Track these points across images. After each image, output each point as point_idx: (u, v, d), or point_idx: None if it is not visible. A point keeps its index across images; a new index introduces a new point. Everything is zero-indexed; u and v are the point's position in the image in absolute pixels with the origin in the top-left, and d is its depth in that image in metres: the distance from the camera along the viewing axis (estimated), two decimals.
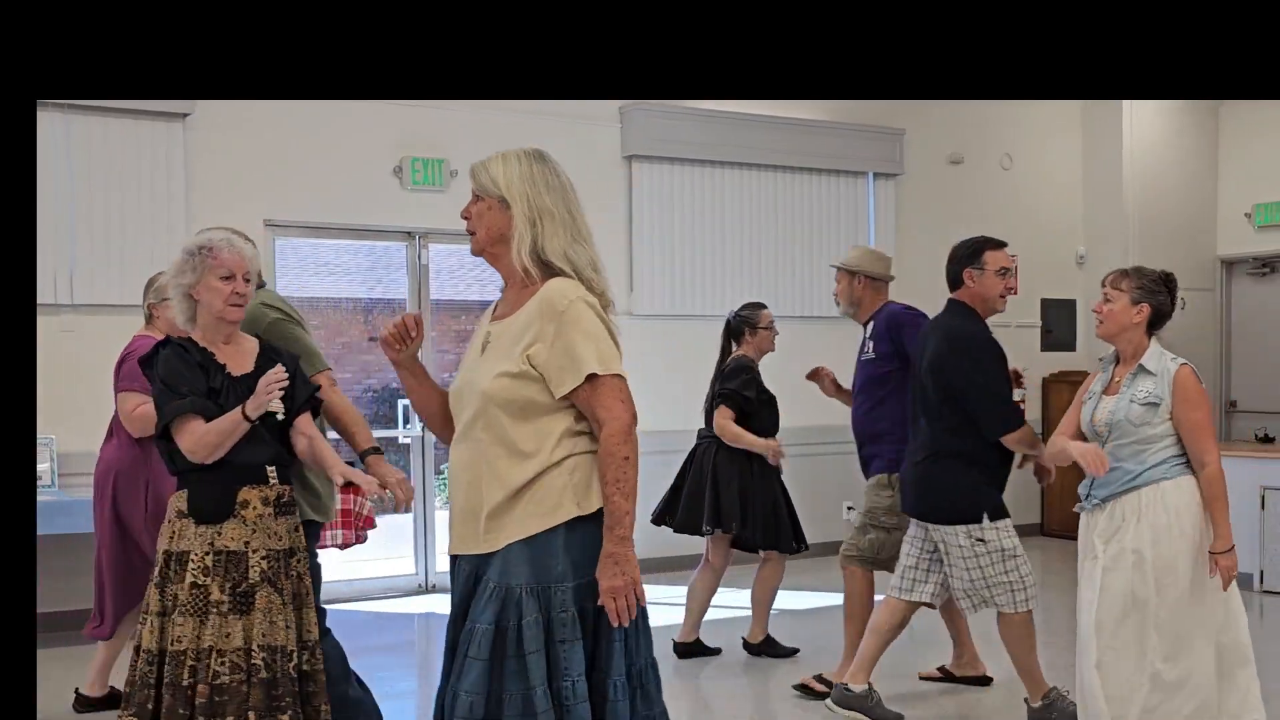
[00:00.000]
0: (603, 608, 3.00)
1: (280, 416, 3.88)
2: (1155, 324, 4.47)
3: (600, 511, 3.01)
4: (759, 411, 6.41)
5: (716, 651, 6.60)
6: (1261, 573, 8.28)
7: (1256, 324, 11.36)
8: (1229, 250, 11.42)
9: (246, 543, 3.83)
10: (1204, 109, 11.28)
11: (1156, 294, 4.45)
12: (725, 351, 6.61)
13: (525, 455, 3.01)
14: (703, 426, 6.61)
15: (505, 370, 3.02)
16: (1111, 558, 4.32)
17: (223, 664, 3.73)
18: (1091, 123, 11.25)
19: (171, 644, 3.76)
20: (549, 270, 3.09)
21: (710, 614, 6.73)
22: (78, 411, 7.01)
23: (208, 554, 3.81)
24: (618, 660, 3.05)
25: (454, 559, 3.17)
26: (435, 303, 9.02)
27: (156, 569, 3.88)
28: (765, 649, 6.62)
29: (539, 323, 3.02)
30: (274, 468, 3.91)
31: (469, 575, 3.09)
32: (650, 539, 8.93)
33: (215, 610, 3.77)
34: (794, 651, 6.59)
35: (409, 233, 8.62)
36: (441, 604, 8.29)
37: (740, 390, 6.35)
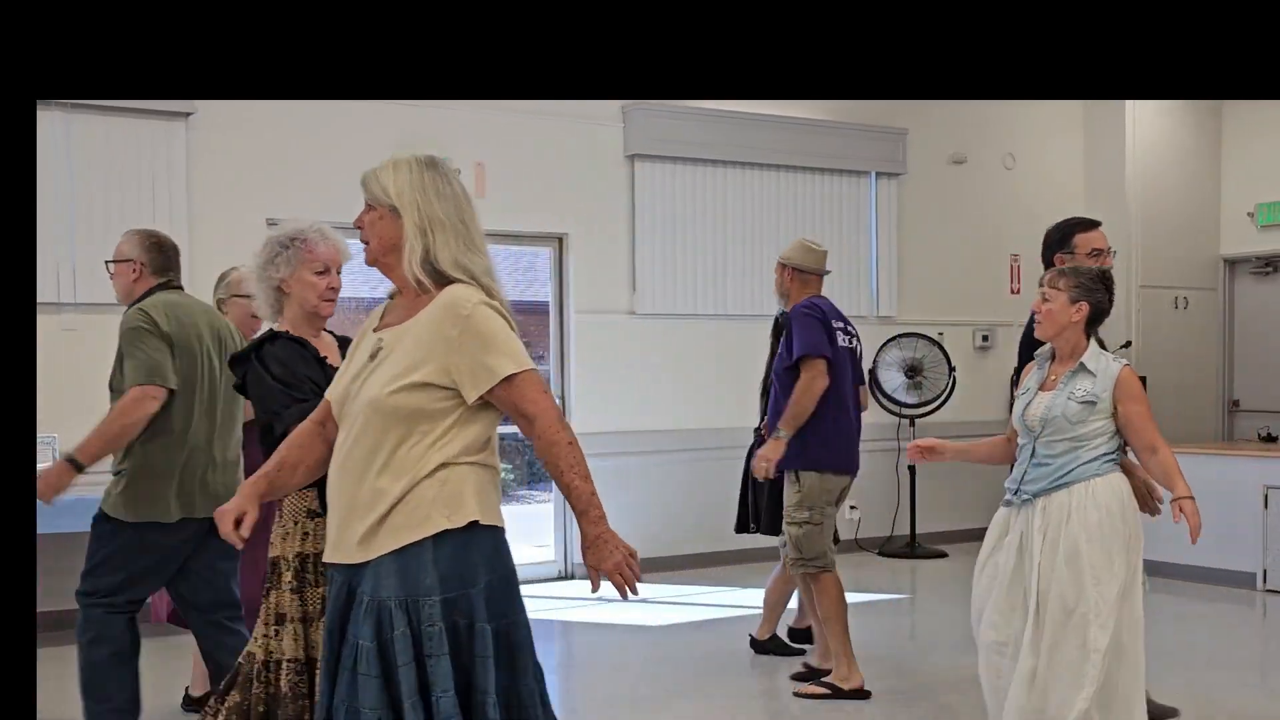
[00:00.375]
0: (473, 624, 2.95)
1: None
2: (1093, 322, 4.50)
3: (471, 525, 2.95)
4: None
5: (800, 652, 6.47)
6: (1265, 572, 8.26)
7: (1259, 323, 11.35)
8: (1232, 250, 11.41)
9: None
10: (1206, 109, 11.27)
11: (1094, 292, 4.48)
12: (775, 349, 6.40)
13: (402, 465, 2.95)
14: (759, 424, 6.44)
15: (397, 379, 2.96)
16: (1048, 559, 4.35)
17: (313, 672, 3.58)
18: (1094, 122, 11.24)
19: (275, 653, 3.60)
20: (443, 279, 3.03)
21: (719, 613, 6.73)
22: (79, 410, 6.99)
23: (295, 557, 3.65)
24: (489, 677, 2.95)
25: (327, 568, 3.13)
26: None
27: (286, 574, 3.68)
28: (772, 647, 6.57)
29: (442, 330, 2.96)
30: None
31: (342, 585, 3.03)
32: (654, 538, 8.97)
33: (314, 616, 3.60)
34: (800, 651, 6.54)
35: None
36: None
37: None
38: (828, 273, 6.23)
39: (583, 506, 2.94)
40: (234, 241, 7.89)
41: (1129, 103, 10.81)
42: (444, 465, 2.95)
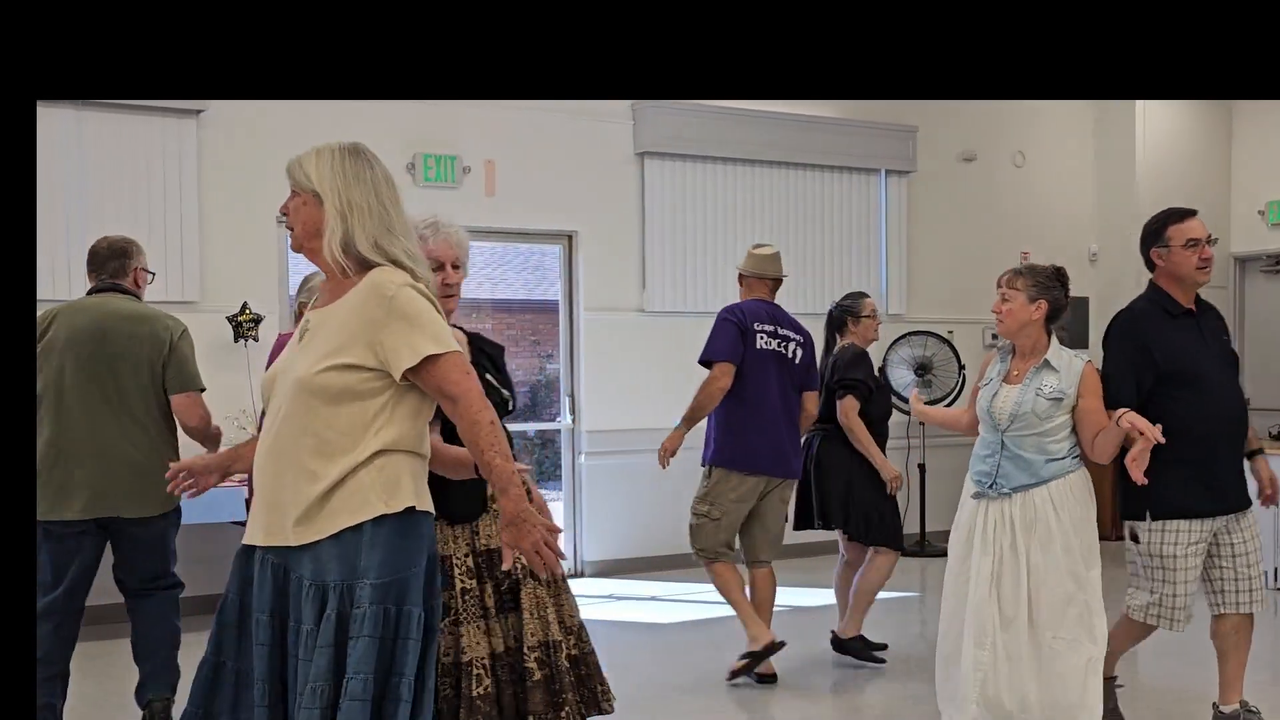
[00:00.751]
0: (403, 608, 2.98)
1: (507, 403, 3.77)
2: (1052, 318, 4.69)
3: (407, 510, 3.02)
4: (874, 399, 6.38)
5: (880, 647, 6.48)
6: (1276, 570, 8.25)
7: (1270, 321, 11.33)
8: (1242, 248, 11.39)
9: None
10: (1217, 107, 11.25)
11: (1051, 289, 4.68)
12: (830, 343, 6.52)
13: (336, 448, 2.99)
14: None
15: (324, 359, 3.00)
16: (1038, 554, 4.53)
17: (502, 668, 3.59)
18: (1104, 120, 11.22)
19: (462, 653, 3.56)
20: (365, 263, 3.08)
21: (730, 611, 6.72)
22: None
23: (468, 555, 3.62)
24: (409, 660, 3.00)
25: (249, 549, 3.13)
26: None
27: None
28: (852, 646, 6.46)
29: (366, 311, 3.00)
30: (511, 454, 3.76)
31: (277, 568, 3.05)
32: (664, 536, 8.97)
33: (494, 613, 3.61)
34: (880, 660, 6.43)
35: None
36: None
37: (865, 379, 6.29)
38: (780, 277, 6.32)
39: (502, 485, 2.99)
40: (245, 239, 7.92)
41: (1140, 101, 10.79)
42: (381, 453, 3.01)
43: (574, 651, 3.76)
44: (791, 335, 6.17)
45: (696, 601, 7.91)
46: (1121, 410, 4.43)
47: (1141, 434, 4.30)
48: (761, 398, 6.01)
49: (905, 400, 10.05)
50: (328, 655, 2.93)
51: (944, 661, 4.79)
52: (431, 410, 3.13)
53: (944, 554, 9.60)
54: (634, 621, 7.33)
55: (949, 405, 10.09)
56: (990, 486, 4.63)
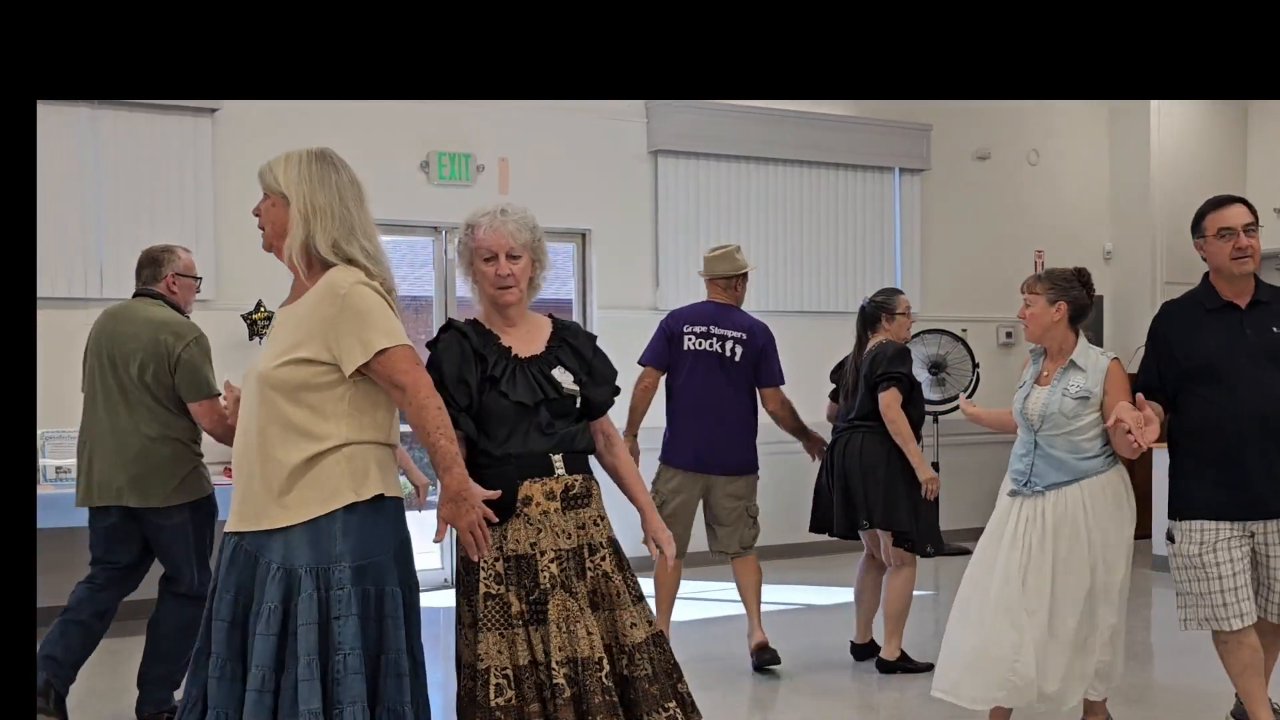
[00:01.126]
0: (384, 588, 3.18)
1: (574, 398, 3.64)
2: (1076, 318, 4.76)
3: (376, 499, 3.20)
4: (914, 397, 6.24)
5: (927, 666, 6.16)
6: None
7: None
8: None
9: (533, 544, 3.51)
10: (1232, 107, 11.22)
11: (1070, 290, 4.75)
12: (861, 340, 6.38)
13: (302, 436, 3.16)
14: (840, 418, 6.42)
15: (283, 354, 3.17)
16: (1064, 549, 4.62)
17: (528, 682, 3.45)
18: (1119, 118, 11.20)
19: (479, 659, 3.48)
20: (324, 263, 3.25)
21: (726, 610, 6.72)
22: None
23: (497, 560, 3.51)
24: (399, 636, 3.19)
25: (227, 536, 3.28)
26: (461, 299, 9.04)
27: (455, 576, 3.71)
28: (900, 664, 6.23)
29: (321, 309, 3.16)
30: (560, 456, 3.60)
31: (249, 553, 3.19)
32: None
33: (519, 622, 3.47)
34: (928, 667, 6.13)
35: (435, 227, 8.65)
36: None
37: (908, 373, 6.18)
38: (729, 275, 6.40)
39: (446, 463, 3.15)
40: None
41: (1155, 100, 10.77)
42: (349, 444, 3.18)
43: (626, 672, 3.54)
44: (730, 334, 6.28)
45: (707, 599, 7.92)
46: (1122, 404, 4.43)
47: (1129, 431, 4.32)
48: (687, 397, 6.25)
49: (930, 402, 10.05)
50: (314, 632, 3.09)
51: (955, 650, 4.79)
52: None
53: (958, 553, 9.65)
54: (674, 619, 7.33)
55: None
56: (1025, 485, 4.71)
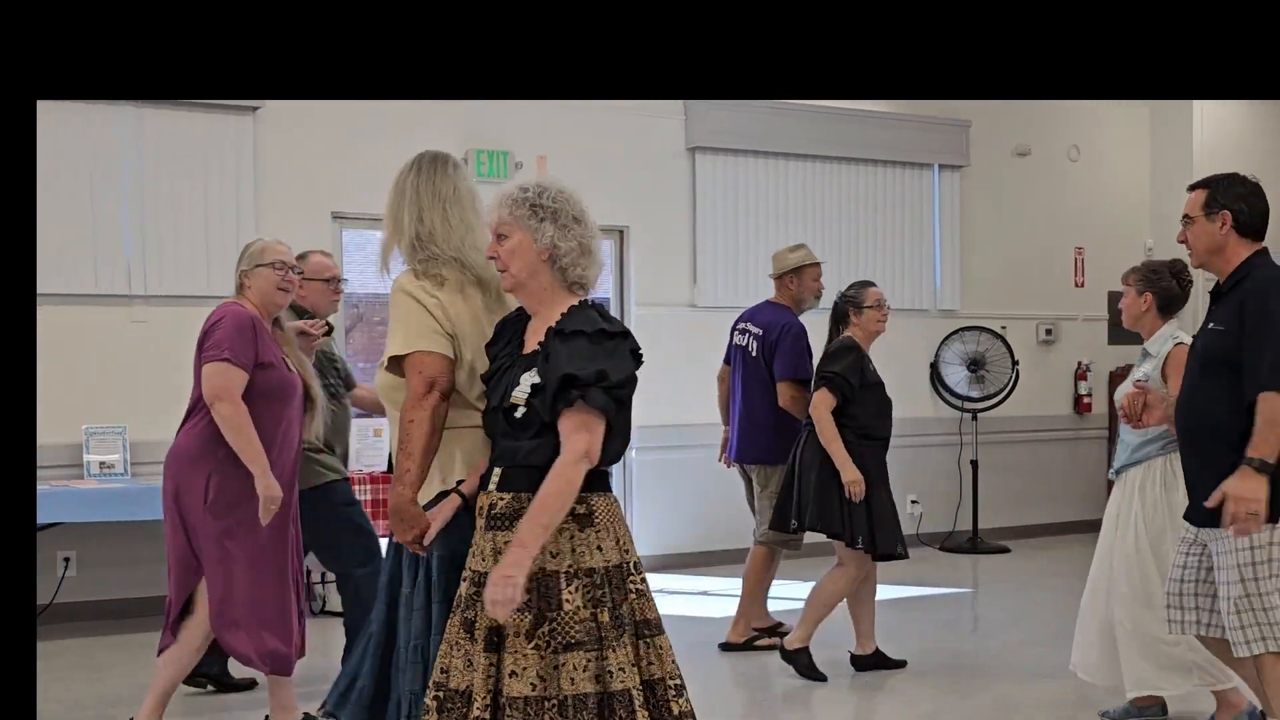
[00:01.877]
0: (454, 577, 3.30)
1: (515, 408, 3.14)
2: (1167, 308, 4.90)
3: (458, 484, 3.37)
4: (862, 398, 5.84)
5: (901, 664, 6.16)
6: None
7: None
8: None
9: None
10: (1276, 107, 11.10)
11: (1159, 281, 4.90)
12: (831, 335, 6.09)
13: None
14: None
15: (382, 360, 3.43)
16: (1120, 530, 4.86)
17: (485, 708, 3.06)
18: (1161, 114, 11.11)
19: (450, 677, 3.17)
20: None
21: (785, 605, 6.73)
22: (149, 401, 7.13)
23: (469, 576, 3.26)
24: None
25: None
26: None
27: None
28: (874, 662, 6.13)
29: None
30: (500, 469, 3.18)
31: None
32: (719, 531, 8.98)
33: (479, 643, 3.11)
34: (902, 664, 6.20)
35: None
36: None
37: (844, 374, 5.79)
38: (779, 274, 6.74)
39: (396, 476, 3.31)
40: (301, 234, 7.99)
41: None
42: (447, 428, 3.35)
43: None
44: (752, 329, 6.62)
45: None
46: (1122, 386, 4.85)
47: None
48: (733, 390, 6.80)
49: (959, 397, 10.02)
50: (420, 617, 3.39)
51: (1103, 628, 4.94)
52: (475, 382, 3.39)
53: (997, 551, 9.59)
54: (685, 616, 7.34)
55: (1002, 401, 10.05)
56: (1111, 469, 5.08)
